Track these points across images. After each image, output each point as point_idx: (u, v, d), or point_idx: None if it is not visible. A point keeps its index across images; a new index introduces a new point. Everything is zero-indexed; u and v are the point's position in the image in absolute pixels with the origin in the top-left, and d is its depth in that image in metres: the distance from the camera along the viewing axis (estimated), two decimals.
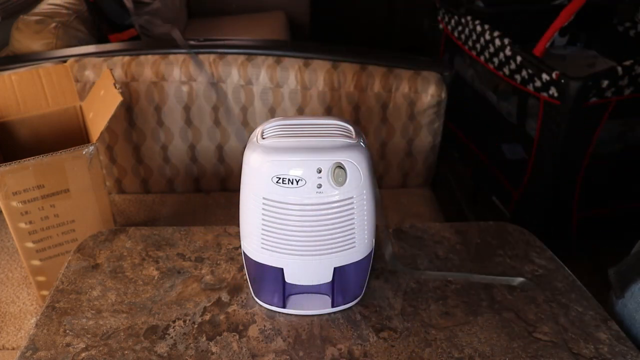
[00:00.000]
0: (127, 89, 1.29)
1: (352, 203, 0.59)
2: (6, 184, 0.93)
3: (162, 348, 0.61)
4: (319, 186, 0.57)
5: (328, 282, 0.65)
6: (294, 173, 0.57)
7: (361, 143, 0.60)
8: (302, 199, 0.58)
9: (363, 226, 0.61)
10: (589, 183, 1.46)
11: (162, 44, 1.41)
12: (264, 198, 0.59)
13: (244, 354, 0.61)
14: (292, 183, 0.57)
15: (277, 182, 0.57)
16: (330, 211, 0.59)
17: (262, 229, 0.60)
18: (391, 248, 0.77)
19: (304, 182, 0.57)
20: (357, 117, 1.32)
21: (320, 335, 0.63)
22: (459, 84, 1.81)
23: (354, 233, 0.61)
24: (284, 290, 0.64)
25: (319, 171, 0.57)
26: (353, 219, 0.60)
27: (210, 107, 1.34)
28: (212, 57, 1.31)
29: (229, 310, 0.67)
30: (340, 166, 0.57)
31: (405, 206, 1.29)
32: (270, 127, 0.61)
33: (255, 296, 0.68)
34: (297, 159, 0.57)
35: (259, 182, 0.59)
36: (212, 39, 1.41)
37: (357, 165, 0.58)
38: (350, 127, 0.61)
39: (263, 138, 0.59)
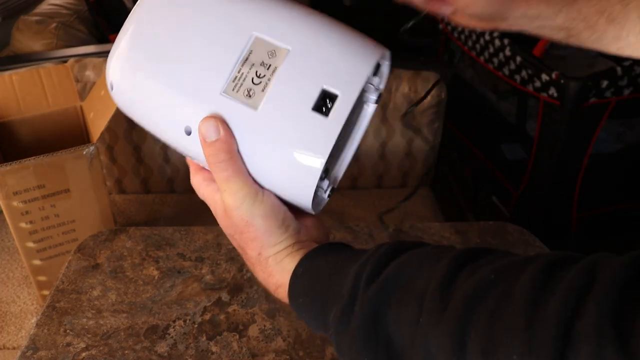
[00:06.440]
0: None
1: None
2: (7, 183, 0.93)
3: (162, 348, 0.61)
4: None
5: None
6: None
7: None
8: None
9: None
10: (589, 183, 1.46)
11: None
12: None
13: (244, 353, 0.61)
14: None
15: None
16: None
17: None
18: None
19: None
20: None
21: (320, 335, 0.63)
22: (459, 84, 1.81)
23: None
24: None
25: None
26: None
27: None
28: None
29: (229, 310, 0.67)
30: None
31: (405, 206, 1.29)
32: None
33: None
34: None
35: None
36: None
37: None
38: None
39: None
